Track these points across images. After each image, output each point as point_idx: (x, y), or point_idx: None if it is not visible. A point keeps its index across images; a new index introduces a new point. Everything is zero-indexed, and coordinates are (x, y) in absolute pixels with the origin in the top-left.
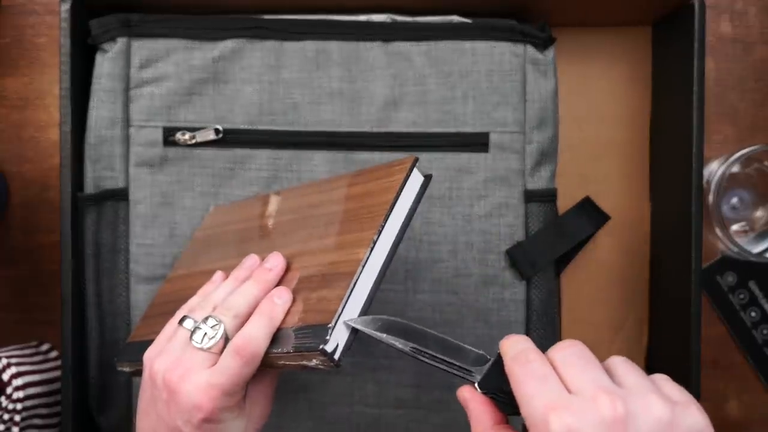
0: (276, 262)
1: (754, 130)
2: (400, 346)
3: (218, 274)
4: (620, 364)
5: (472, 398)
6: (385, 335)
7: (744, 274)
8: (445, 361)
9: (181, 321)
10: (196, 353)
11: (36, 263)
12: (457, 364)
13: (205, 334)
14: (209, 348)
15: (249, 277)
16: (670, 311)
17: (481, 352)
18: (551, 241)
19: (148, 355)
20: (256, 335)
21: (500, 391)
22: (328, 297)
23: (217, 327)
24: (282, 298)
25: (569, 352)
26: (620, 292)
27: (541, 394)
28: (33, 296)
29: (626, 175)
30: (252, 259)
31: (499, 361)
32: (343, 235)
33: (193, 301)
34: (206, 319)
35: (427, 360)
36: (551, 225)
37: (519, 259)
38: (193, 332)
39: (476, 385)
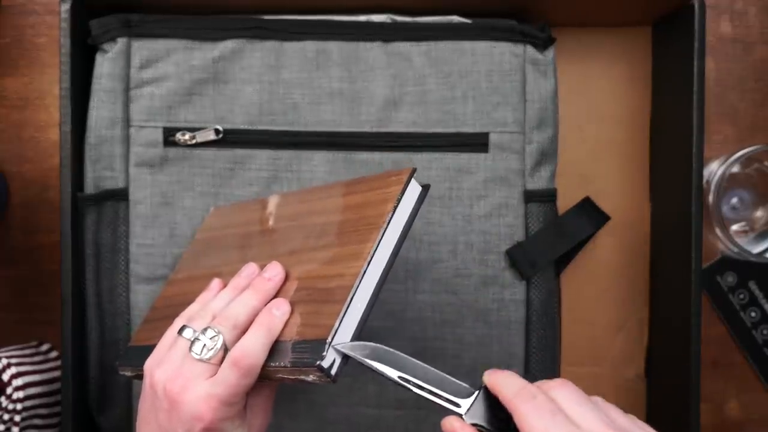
0: (275, 272)
1: (754, 130)
2: (388, 374)
3: (215, 282)
4: (603, 404)
5: (461, 428)
6: (374, 363)
7: (744, 274)
8: (432, 391)
9: (180, 330)
10: (195, 364)
11: (36, 263)
12: (444, 395)
13: (204, 345)
14: (208, 359)
15: (248, 287)
16: (670, 311)
17: (465, 385)
18: (551, 241)
19: (149, 364)
20: (254, 347)
21: (487, 422)
22: (325, 311)
23: (216, 338)
24: (281, 309)
25: (568, 391)
26: (620, 292)
27: (554, 428)
28: (33, 296)
29: (626, 175)
30: (251, 268)
31: (486, 394)
32: (341, 246)
33: (191, 309)
34: (205, 329)
35: (413, 389)
36: (551, 225)
37: (519, 259)
38: (192, 343)
39: (464, 416)
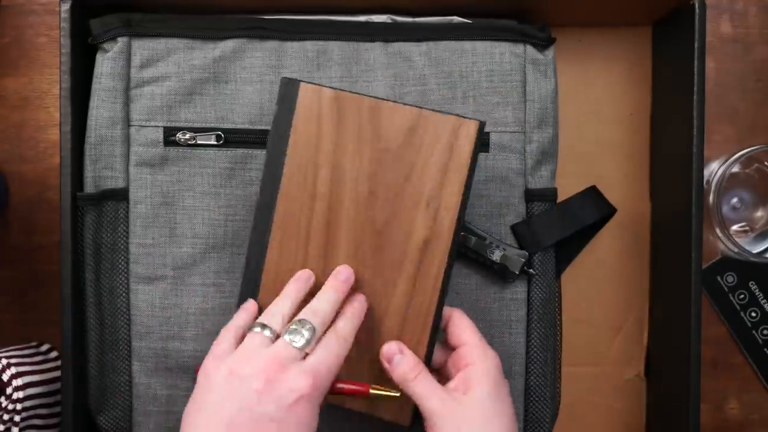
0: (347, 274)
1: (754, 130)
2: None
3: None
4: None
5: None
6: None
7: (744, 274)
8: None
9: (259, 327)
10: (291, 349)
11: (36, 263)
12: None
13: (302, 335)
14: (303, 346)
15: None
16: (670, 311)
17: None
18: (557, 222)
19: (219, 359)
20: (346, 328)
21: None
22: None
23: (309, 327)
24: (360, 300)
25: None
26: (620, 292)
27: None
28: (33, 296)
29: (626, 175)
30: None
31: None
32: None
33: (269, 311)
34: (299, 321)
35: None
36: (557, 207)
37: (524, 235)
38: (285, 333)
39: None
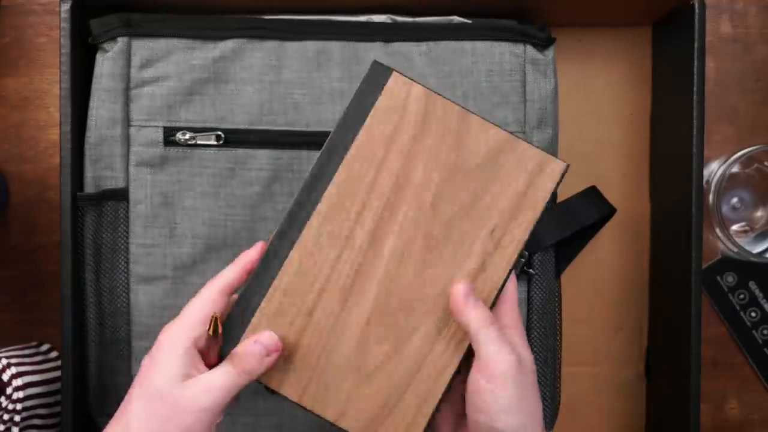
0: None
1: (754, 130)
2: None
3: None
4: None
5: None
6: None
7: (744, 274)
8: None
9: None
10: None
11: (36, 263)
12: None
13: None
14: None
15: None
16: (670, 311)
17: None
18: (557, 222)
19: None
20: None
21: None
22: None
23: None
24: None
25: None
26: (620, 292)
27: None
28: (33, 296)
29: (626, 175)
30: None
31: None
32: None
33: None
34: None
35: None
36: (558, 207)
37: None
38: None
39: None
